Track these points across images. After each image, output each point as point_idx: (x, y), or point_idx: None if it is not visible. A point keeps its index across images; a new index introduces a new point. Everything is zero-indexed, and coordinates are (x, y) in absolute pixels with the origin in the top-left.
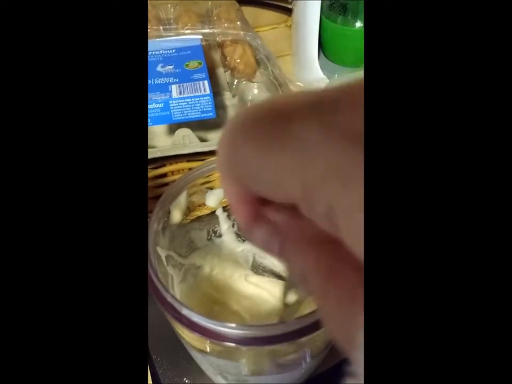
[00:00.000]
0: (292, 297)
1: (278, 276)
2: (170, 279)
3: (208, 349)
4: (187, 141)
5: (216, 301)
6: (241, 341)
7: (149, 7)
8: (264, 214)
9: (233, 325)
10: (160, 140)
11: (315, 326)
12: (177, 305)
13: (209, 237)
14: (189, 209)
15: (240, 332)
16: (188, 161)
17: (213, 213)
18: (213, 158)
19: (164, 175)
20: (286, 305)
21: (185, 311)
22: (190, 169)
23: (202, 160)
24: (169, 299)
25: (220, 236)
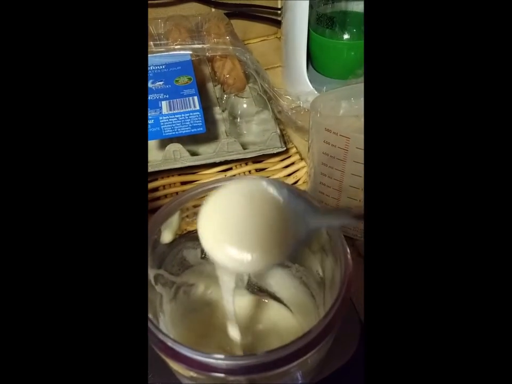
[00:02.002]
0: None
1: (273, 296)
2: (159, 298)
3: (194, 376)
4: (178, 156)
5: (211, 319)
6: (227, 371)
7: None
8: None
9: (219, 356)
10: (151, 155)
11: (305, 349)
12: (161, 336)
13: (203, 255)
14: (181, 230)
15: (225, 362)
16: (179, 175)
17: None
18: (209, 171)
19: (156, 189)
20: None
21: (169, 343)
22: (181, 183)
23: (193, 173)
24: (153, 328)
25: None
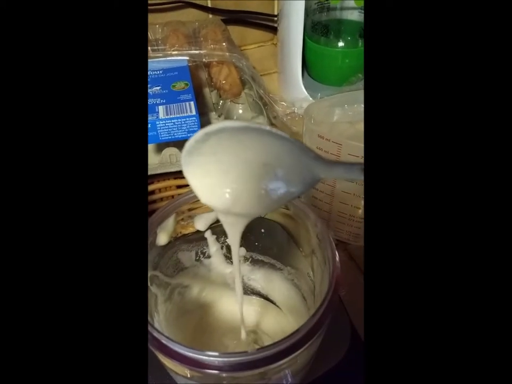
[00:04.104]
0: None
1: (266, 298)
2: (154, 299)
3: (188, 375)
4: (174, 160)
5: (204, 321)
6: (220, 368)
7: None
8: None
9: (212, 353)
10: (148, 158)
11: (294, 347)
12: (155, 334)
13: (198, 257)
14: (176, 233)
15: (218, 359)
16: (175, 178)
17: (201, 234)
18: None
19: (152, 192)
20: None
21: (164, 340)
22: (177, 186)
23: None
24: (148, 327)
25: (209, 257)
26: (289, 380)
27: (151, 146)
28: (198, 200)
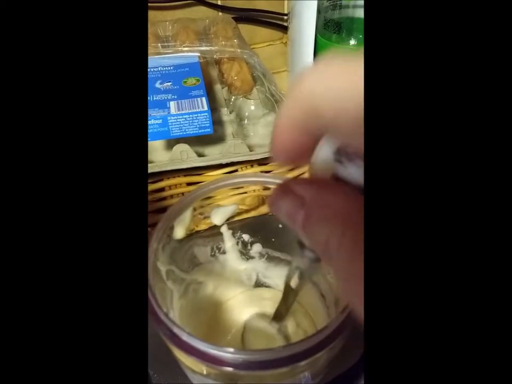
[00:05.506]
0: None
1: None
2: (170, 294)
3: (205, 372)
4: (185, 156)
5: (217, 321)
6: (240, 366)
7: (148, 25)
8: (292, 188)
9: (232, 350)
10: (158, 155)
11: (314, 349)
12: (175, 329)
13: (213, 253)
14: (193, 226)
15: (239, 356)
16: (185, 175)
17: (217, 229)
18: (215, 173)
19: (162, 189)
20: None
21: (184, 336)
22: (187, 183)
23: (200, 174)
24: (167, 322)
25: (224, 252)
26: (309, 382)
27: (161, 142)
28: (216, 193)
